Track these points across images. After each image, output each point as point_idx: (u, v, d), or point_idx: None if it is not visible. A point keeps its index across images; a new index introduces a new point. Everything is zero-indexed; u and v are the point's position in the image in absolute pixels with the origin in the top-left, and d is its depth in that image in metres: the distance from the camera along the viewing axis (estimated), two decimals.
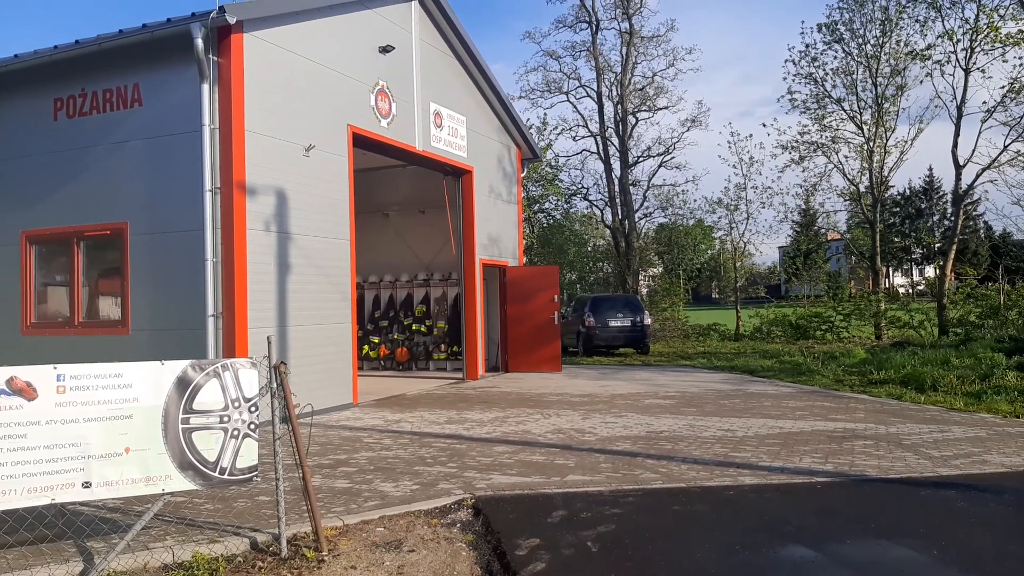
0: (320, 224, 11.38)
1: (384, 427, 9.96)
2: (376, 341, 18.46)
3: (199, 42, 9.37)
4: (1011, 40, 19.39)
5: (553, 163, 33.81)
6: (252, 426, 4.92)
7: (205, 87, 9.66)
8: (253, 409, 4.93)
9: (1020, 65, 19.91)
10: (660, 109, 33.57)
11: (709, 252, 47.52)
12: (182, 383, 4.71)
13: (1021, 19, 17.83)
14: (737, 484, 6.72)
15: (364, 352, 17.86)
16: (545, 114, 38.56)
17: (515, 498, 6.28)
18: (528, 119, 35.77)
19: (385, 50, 12.98)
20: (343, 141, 11.98)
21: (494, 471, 7.22)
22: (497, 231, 17.04)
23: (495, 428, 9.77)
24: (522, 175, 19.49)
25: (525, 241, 24.44)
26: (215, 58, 9.81)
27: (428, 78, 14.32)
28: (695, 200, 37.78)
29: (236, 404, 4.86)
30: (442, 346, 18.00)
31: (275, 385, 5.08)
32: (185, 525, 5.52)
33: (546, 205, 34.28)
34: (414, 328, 18.41)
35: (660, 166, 33.61)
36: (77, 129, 10.78)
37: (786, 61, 32.18)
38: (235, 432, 4.85)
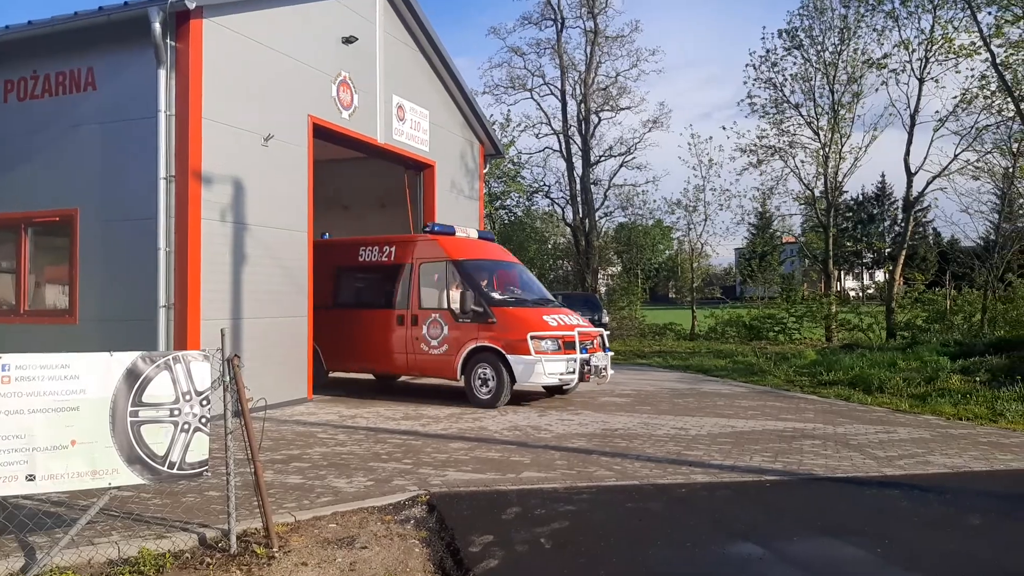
0: (278, 215, 11.22)
1: (339, 422, 9.88)
2: None
3: (157, 26, 9.17)
4: (964, 51, 19.94)
5: (516, 160, 33.85)
6: (203, 420, 4.83)
7: (162, 72, 9.45)
8: (205, 403, 4.85)
9: (972, 76, 20.51)
10: (623, 109, 33.84)
11: (667, 252, 48.11)
12: (131, 375, 4.61)
13: (974, 31, 18.34)
14: (689, 482, 6.82)
15: None
16: (509, 110, 38.82)
17: (470, 495, 6.29)
18: (492, 115, 35.76)
19: (348, 41, 12.84)
20: (303, 132, 11.82)
21: (449, 467, 7.21)
22: (460, 225, 16.96)
23: (451, 424, 9.76)
24: (484, 171, 19.45)
25: None
26: (173, 43, 9.59)
27: (391, 71, 14.20)
28: (655, 200, 38.26)
29: (187, 397, 4.77)
30: None
31: (228, 378, 5.00)
32: (132, 520, 5.41)
33: (508, 202, 34.33)
34: None
35: (621, 166, 33.89)
36: (28, 112, 10.46)
37: (747, 65, 32.74)
38: (185, 426, 4.76)
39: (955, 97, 21.61)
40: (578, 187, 33.04)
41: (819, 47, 26.19)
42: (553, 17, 33.16)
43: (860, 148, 26.40)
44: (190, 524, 5.31)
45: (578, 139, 33.25)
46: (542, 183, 34.90)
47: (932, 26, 21.70)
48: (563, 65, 33.07)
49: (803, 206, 31.38)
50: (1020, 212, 24.85)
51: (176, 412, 4.74)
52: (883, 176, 60.76)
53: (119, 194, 9.85)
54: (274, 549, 4.92)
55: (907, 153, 23.27)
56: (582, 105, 33.04)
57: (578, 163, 33.21)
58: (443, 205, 16.22)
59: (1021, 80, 18.24)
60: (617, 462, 7.55)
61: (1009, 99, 17.88)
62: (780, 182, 28.77)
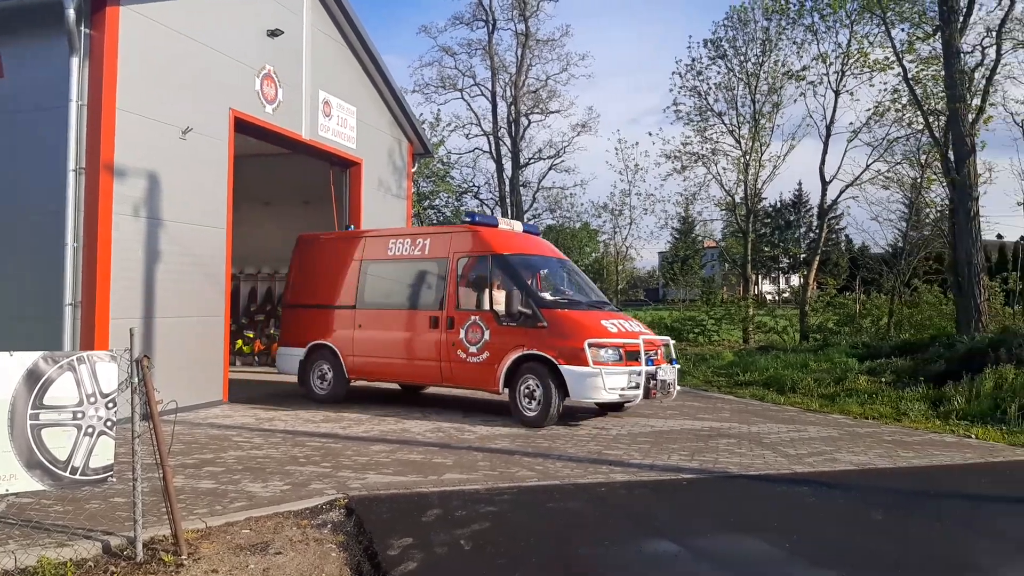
0: (195, 211, 10.86)
1: (255, 425, 9.63)
2: (251, 336, 17.75)
3: (71, 13, 8.75)
4: (878, 66, 20.83)
5: (445, 160, 33.73)
6: (109, 423, 4.64)
7: (75, 61, 9.02)
8: (111, 405, 4.66)
9: (885, 90, 21.47)
10: (552, 112, 34.14)
11: (594, 255, 48.70)
12: (32, 376, 4.40)
13: (888, 47, 19.20)
14: (609, 481, 6.92)
15: (238, 347, 17.17)
16: (439, 110, 38.57)
17: (390, 497, 6.22)
18: (421, 114, 35.47)
19: (274, 34, 12.54)
20: (224, 125, 11.48)
21: (370, 470, 7.12)
22: (385, 226, 16.77)
23: (373, 427, 9.64)
24: (413, 170, 19.31)
25: None
26: (87, 31, 9.17)
27: (318, 66, 13.94)
28: (582, 204, 38.71)
29: (92, 400, 4.58)
30: None
31: (136, 380, 4.81)
32: (31, 528, 5.14)
33: (437, 201, 34.13)
34: None
35: (550, 168, 34.21)
36: None
37: (673, 73, 33.34)
38: (90, 429, 4.56)
39: (868, 110, 22.58)
40: (507, 188, 33.18)
41: (742, 58, 27.00)
42: (485, 18, 33.23)
43: (779, 157, 27.35)
44: (94, 532, 5.09)
45: (508, 141, 33.41)
46: (471, 183, 34.91)
47: (849, 41, 22.66)
48: (494, 66, 33.15)
49: (724, 212, 32.28)
50: (926, 221, 26.13)
51: (80, 415, 4.54)
52: (800, 184, 63.00)
53: (25, 187, 9.35)
54: (183, 556, 4.76)
55: (822, 162, 24.22)
56: (512, 107, 33.20)
57: (508, 164, 33.36)
58: (370, 203, 16.03)
59: (931, 95, 19.17)
60: (539, 462, 7.59)
61: (919, 113, 18.77)
62: (702, 188, 29.54)
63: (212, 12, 11.25)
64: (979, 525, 5.91)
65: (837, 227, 49.49)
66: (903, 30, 19.34)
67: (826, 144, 24.03)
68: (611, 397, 9.38)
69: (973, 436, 9.40)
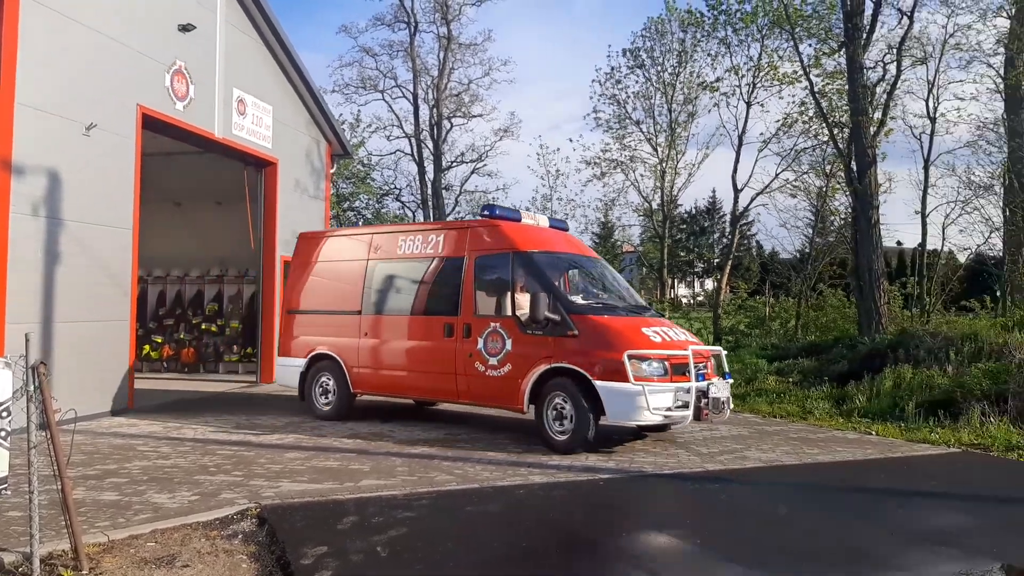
0: (99, 211, 10.38)
1: (163, 434, 9.26)
2: (159, 341, 17.10)
3: None
4: (787, 79, 21.71)
5: (366, 161, 33.31)
6: (3, 433, 4.39)
7: None
8: (5, 414, 4.41)
9: (793, 102, 22.38)
10: (475, 116, 34.19)
11: None
12: None
13: (796, 61, 20.00)
14: (528, 483, 6.96)
15: (145, 353, 16.51)
16: (359, 111, 37.97)
17: (304, 506, 6.08)
18: (341, 114, 34.98)
19: (185, 29, 12.13)
20: (131, 122, 11.02)
21: (283, 479, 6.95)
22: (302, 227, 16.34)
23: (288, 434, 9.40)
24: (331, 171, 18.98)
25: None
26: None
27: (232, 62, 13.56)
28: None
29: None
30: (235, 347, 17.01)
31: (32, 388, 4.56)
32: None
33: (356, 203, 33.67)
34: (204, 327, 17.21)
35: (473, 172, 34.22)
36: None
37: (593, 81, 34.00)
38: None
39: (778, 121, 23.48)
40: (429, 191, 33.02)
41: (659, 68, 27.72)
42: (406, 20, 33.01)
43: (694, 165, 28.22)
44: None
45: (430, 143, 33.27)
46: (393, 186, 34.60)
47: (760, 54, 23.51)
48: (416, 69, 32.96)
49: (642, 217, 33.01)
50: (831, 228, 27.30)
51: None
52: (714, 191, 64.71)
53: None
54: (84, 572, 4.54)
55: (735, 171, 25.02)
56: (434, 110, 33.08)
57: (430, 167, 33.21)
58: (286, 204, 15.67)
59: (835, 108, 20.06)
60: (459, 466, 7.57)
61: (824, 125, 19.61)
62: (621, 194, 30.18)
63: (119, 5, 10.80)
64: (877, 517, 6.21)
65: (748, 233, 51.16)
66: (810, 45, 20.25)
67: (738, 153, 24.87)
68: (655, 419, 8.02)
69: (873, 433, 9.88)
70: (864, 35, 17.23)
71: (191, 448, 8.35)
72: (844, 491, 7.10)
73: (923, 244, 19.08)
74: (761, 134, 25.45)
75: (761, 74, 23.71)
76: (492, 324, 8.98)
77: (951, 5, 18.15)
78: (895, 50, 17.43)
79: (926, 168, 18.57)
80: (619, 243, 44.00)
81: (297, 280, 11.41)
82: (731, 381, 9.38)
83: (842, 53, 18.12)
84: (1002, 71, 18.92)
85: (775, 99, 23.97)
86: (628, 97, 28.29)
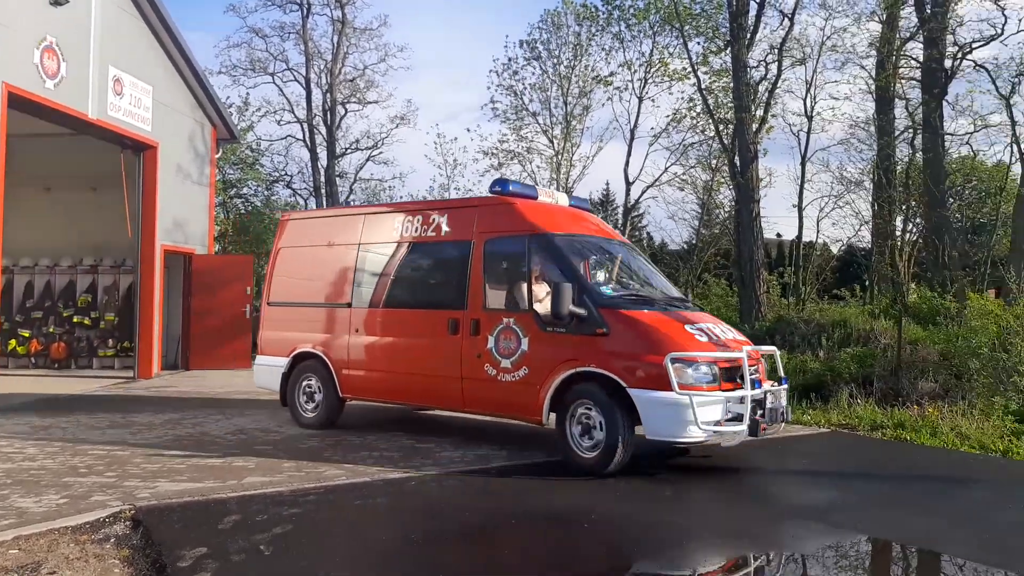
0: None
1: (29, 434, 8.65)
2: (26, 335, 15.96)
3: None
4: (677, 76, 22.44)
5: (255, 146, 32.13)
6: None
7: None
8: None
9: (682, 98, 23.11)
10: (370, 103, 33.42)
11: None
12: None
13: (685, 58, 20.64)
14: (420, 474, 6.91)
15: (11, 348, 15.41)
16: (248, 94, 36.33)
17: (183, 506, 5.82)
18: (228, 97, 33.50)
19: (57, 2, 11.33)
20: None
21: (161, 478, 6.62)
22: (184, 215, 15.70)
23: (167, 431, 8.97)
24: (217, 156, 18.22)
25: (218, 228, 22.87)
26: None
27: (109, 39, 12.75)
28: (402, 197, 38.08)
29: None
30: (110, 341, 16.10)
31: None
32: None
33: (244, 190, 32.41)
34: (76, 320, 16.18)
35: (368, 160, 33.48)
36: None
37: (490, 71, 33.97)
38: None
39: (668, 116, 24.22)
40: (322, 179, 32.15)
41: (555, 60, 27.91)
42: (299, 1, 31.94)
43: (588, 157, 28.61)
44: None
45: (323, 129, 32.36)
46: (283, 172, 33.48)
47: (651, 51, 24.11)
48: (308, 52, 31.96)
49: None
50: (716, 220, 28.41)
51: None
52: (607, 184, 66.19)
53: None
54: None
55: (627, 164, 25.62)
56: (328, 95, 32.19)
57: (323, 154, 32.32)
58: (167, 190, 14.94)
59: (721, 105, 20.86)
60: (349, 460, 7.43)
61: (711, 121, 20.37)
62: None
63: None
64: (755, 496, 6.52)
65: (640, 225, 52.68)
66: (699, 43, 20.97)
67: (630, 147, 25.46)
68: (702, 435, 6.62)
69: None
70: (748, 35, 17.98)
71: (60, 449, 7.84)
72: (725, 472, 7.40)
73: (799, 236, 20.18)
74: (652, 129, 26.30)
75: (652, 70, 24.33)
76: (505, 320, 7.63)
77: (829, 8, 19.24)
78: (777, 50, 18.30)
79: (803, 164, 19.63)
80: None
81: (279, 268, 10.07)
82: (787, 386, 7.84)
83: (728, 52, 18.85)
84: (873, 73, 20.18)
85: (665, 95, 24.82)
86: (525, 88, 28.38)
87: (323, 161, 32.25)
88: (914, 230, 21.41)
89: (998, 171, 23.01)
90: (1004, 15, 17.44)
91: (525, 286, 7.63)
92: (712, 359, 6.84)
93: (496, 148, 29.15)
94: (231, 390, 12.52)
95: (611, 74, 25.31)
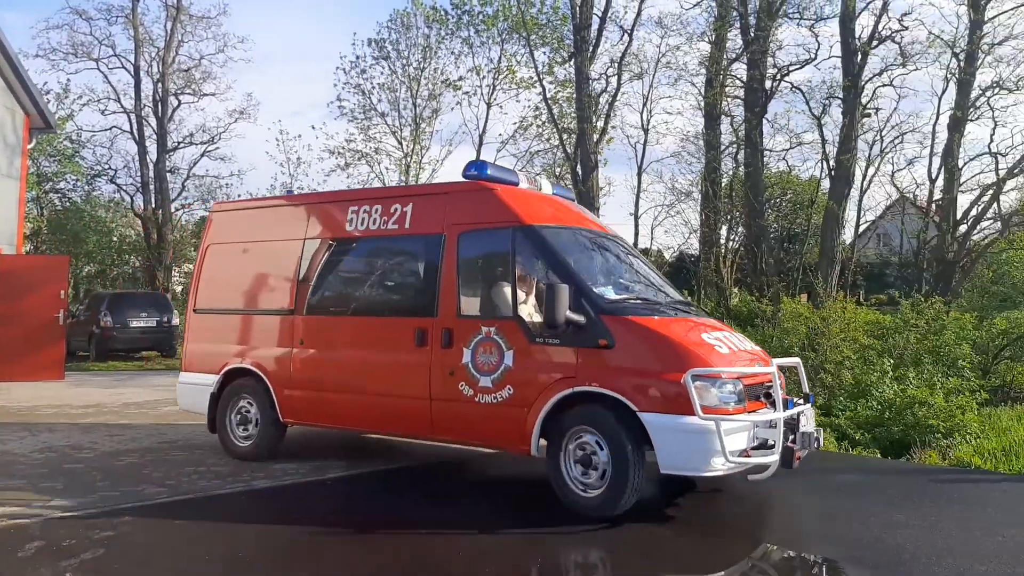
0: None
1: None
2: None
3: None
4: (524, 84, 22.94)
5: (75, 137, 29.63)
6: None
7: None
8: None
9: (529, 106, 23.66)
10: (206, 95, 31.73)
11: None
12: None
13: (531, 67, 21.17)
14: (250, 489, 6.61)
15: None
16: (68, 80, 33.34)
17: None
18: (45, 83, 30.79)
19: None
20: None
21: None
22: None
23: None
24: (30, 146, 16.62)
25: (31, 225, 20.90)
26: None
27: None
28: (239, 195, 36.34)
29: None
30: None
31: None
32: None
33: (62, 184, 29.84)
34: None
35: (203, 155, 31.75)
36: None
37: (338, 68, 33.20)
38: None
39: (515, 123, 24.70)
40: (151, 174, 30.12)
41: (404, 61, 27.71)
42: None
43: (438, 161, 28.63)
44: None
45: (153, 121, 30.32)
46: (107, 166, 31.08)
47: (500, 57, 24.51)
48: (138, 38, 29.84)
49: None
50: None
51: None
52: None
53: None
54: None
55: None
56: (159, 85, 30.21)
57: (152, 147, 30.27)
58: None
59: (565, 114, 21.53)
60: (173, 477, 6.97)
61: (555, 130, 20.97)
62: (366, 186, 29.78)
63: None
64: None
65: None
66: (545, 53, 21.56)
67: (479, 152, 25.77)
68: (728, 468, 5.54)
69: None
70: (591, 48, 18.71)
71: None
72: None
73: (635, 243, 21.19)
74: (500, 135, 26.57)
75: (501, 77, 24.76)
76: (484, 329, 6.37)
77: (665, 27, 20.42)
78: (617, 64, 19.17)
79: (639, 174, 20.68)
80: None
81: (207, 268, 8.59)
82: (814, 403, 6.92)
83: (572, 63, 19.50)
84: (703, 90, 21.56)
85: (513, 102, 25.24)
86: (373, 88, 27.96)
87: (152, 155, 30.22)
88: (736, 239, 23.07)
89: (810, 185, 25.33)
90: (817, 41, 19.25)
91: (508, 288, 6.36)
92: (737, 375, 5.81)
93: (343, 147, 28.55)
94: (39, 404, 11.40)
95: (460, 78, 25.51)
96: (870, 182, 22.68)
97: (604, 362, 5.84)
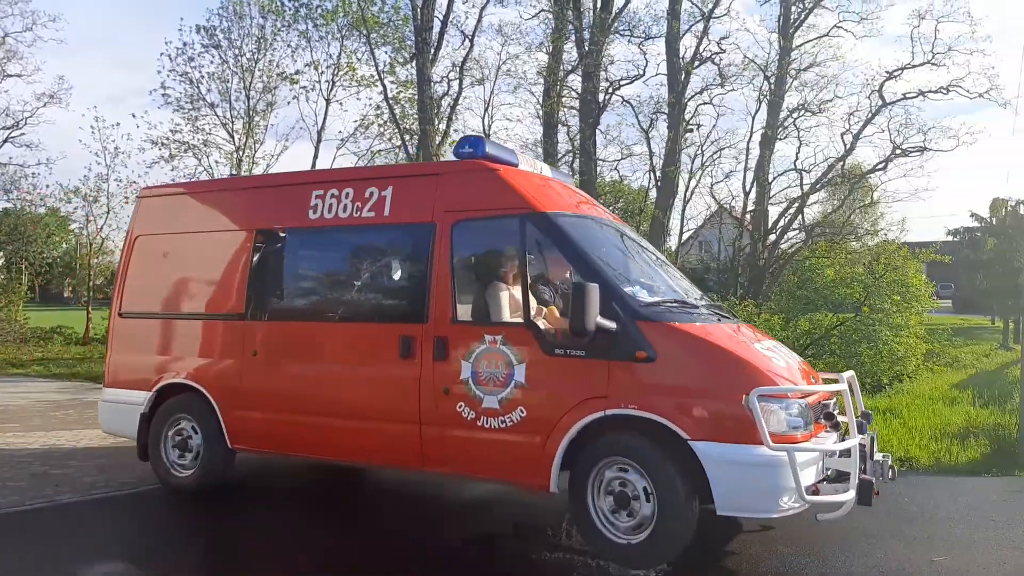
0: None
1: None
2: None
3: None
4: (365, 82, 22.48)
5: None
6: None
7: None
8: None
9: (370, 105, 23.21)
10: (11, 76, 28.67)
11: (65, 245, 42.64)
12: None
13: (372, 66, 20.78)
14: (53, 503, 6.05)
15: None
16: None
17: None
18: None
19: None
20: None
21: None
22: None
23: None
24: None
25: None
26: None
27: None
28: (48, 186, 33.07)
29: None
30: None
31: None
32: None
33: None
34: None
35: (6, 141, 28.69)
36: None
37: (162, 55, 31.08)
38: None
39: (356, 121, 24.17)
40: None
41: (237, 51, 26.41)
42: None
43: (273, 156, 27.51)
44: None
45: None
46: None
47: (340, 54, 23.88)
48: None
49: None
50: None
51: None
52: None
53: None
54: None
55: (313, 166, 25.07)
56: None
57: None
58: None
59: (407, 115, 21.34)
60: None
61: (397, 130, 20.75)
62: (193, 179, 28.09)
63: None
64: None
65: None
66: (386, 52, 21.26)
67: (317, 149, 25.02)
68: (796, 507, 4.61)
69: None
70: (432, 50, 18.67)
71: None
72: None
73: None
74: (340, 132, 25.94)
75: (340, 73, 24.12)
76: (487, 338, 5.27)
77: (505, 35, 20.77)
78: (458, 68, 19.24)
79: None
80: None
81: (136, 264, 7.18)
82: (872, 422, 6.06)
83: (414, 64, 19.37)
84: (541, 99, 22.13)
85: (354, 99, 24.71)
86: (202, 77, 26.32)
87: None
88: None
89: (639, 194, 26.71)
90: (646, 59, 20.34)
91: (519, 289, 5.29)
92: (803, 393, 4.86)
93: (167, 138, 26.74)
94: None
95: (297, 72, 24.61)
96: (692, 193, 24.19)
97: (643, 379, 4.81)
